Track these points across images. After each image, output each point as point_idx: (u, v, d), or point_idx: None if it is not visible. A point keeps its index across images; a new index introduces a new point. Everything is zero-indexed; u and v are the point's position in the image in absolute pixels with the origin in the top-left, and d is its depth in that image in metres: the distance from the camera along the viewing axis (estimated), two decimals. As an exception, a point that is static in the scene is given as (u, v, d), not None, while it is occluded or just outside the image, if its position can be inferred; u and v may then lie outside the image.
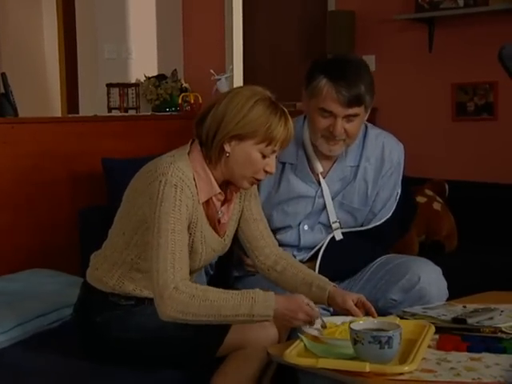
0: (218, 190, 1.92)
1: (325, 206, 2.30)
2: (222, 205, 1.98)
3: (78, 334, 1.98)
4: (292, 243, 2.32)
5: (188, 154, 1.90)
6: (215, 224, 1.95)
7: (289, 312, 1.78)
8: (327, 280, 2.03)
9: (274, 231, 2.30)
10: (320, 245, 2.31)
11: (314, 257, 2.30)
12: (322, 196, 2.29)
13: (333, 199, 2.30)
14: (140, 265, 1.90)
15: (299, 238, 2.32)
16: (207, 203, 1.92)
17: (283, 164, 2.30)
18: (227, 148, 1.87)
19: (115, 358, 1.90)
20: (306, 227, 2.32)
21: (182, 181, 1.81)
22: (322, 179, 2.29)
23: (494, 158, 4.08)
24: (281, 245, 2.31)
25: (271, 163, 1.90)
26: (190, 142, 1.94)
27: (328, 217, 2.30)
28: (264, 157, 1.88)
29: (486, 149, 4.14)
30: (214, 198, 1.93)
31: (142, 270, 1.90)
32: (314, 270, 2.25)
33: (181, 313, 1.75)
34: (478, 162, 4.15)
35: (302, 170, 2.29)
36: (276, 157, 1.93)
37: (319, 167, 2.28)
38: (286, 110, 1.91)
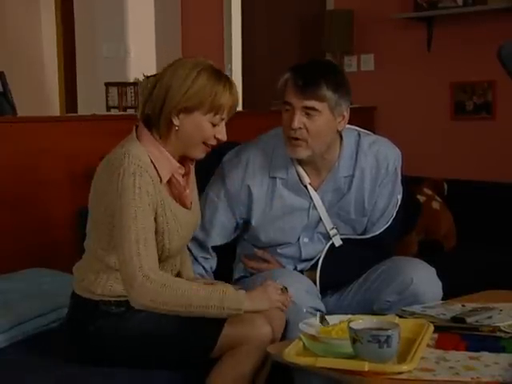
0: (178, 165, 1.94)
1: (320, 217, 2.28)
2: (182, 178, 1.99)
3: (70, 343, 1.96)
4: (293, 256, 2.32)
5: (137, 139, 1.90)
6: (180, 199, 1.96)
7: (261, 305, 1.86)
8: None
9: (275, 246, 2.31)
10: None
11: (315, 265, 2.29)
12: (315, 207, 2.27)
13: (328, 210, 2.27)
14: None
15: (300, 251, 2.31)
16: (169, 183, 1.92)
17: (274, 179, 2.25)
18: (176, 121, 1.88)
19: (109, 364, 1.89)
20: (305, 240, 2.30)
21: (140, 167, 1.82)
22: (312, 190, 2.26)
23: (493, 157, 4.08)
24: (282, 257, 2.32)
25: (222, 130, 1.92)
26: (134, 129, 1.94)
27: (325, 226, 2.29)
28: (214, 125, 1.90)
29: (484, 147, 4.15)
30: (175, 176, 1.93)
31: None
32: (315, 279, 2.26)
33: (152, 301, 1.78)
34: (477, 161, 4.16)
35: (293, 183, 2.26)
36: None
37: (306, 178, 2.26)
38: (229, 76, 1.94)
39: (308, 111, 2.11)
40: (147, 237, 1.81)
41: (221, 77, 1.90)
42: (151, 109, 1.90)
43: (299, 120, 2.11)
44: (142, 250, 1.79)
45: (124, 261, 1.80)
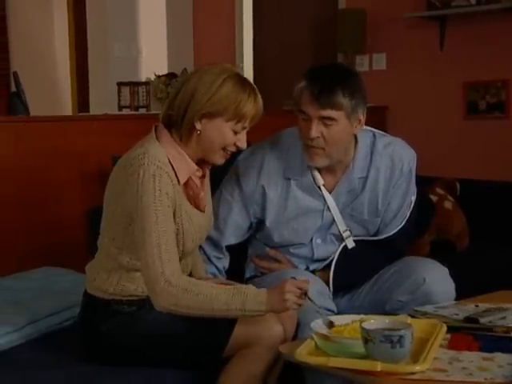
0: (196, 167, 1.94)
1: (334, 218, 2.27)
2: None
3: (82, 342, 1.97)
4: (306, 256, 2.32)
5: (157, 139, 1.90)
6: (195, 201, 1.96)
7: (277, 302, 1.80)
8: None
9: (288, 246, 2.31)
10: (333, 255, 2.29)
11: (328, 266, 2.29)
12: (329, 209, 2.26)
13: (342, 211, 2.27)
14: (137, 265, 1.89)
15: (313, 252, 2.30)
16: (186, 184, 1.92)
17: (288, 180, 2.25)
18: (198, 126, 1.89)
19: (121, 363, 1.90)
20: (318, 241, 2.30)
21: (159, 169, 1.82)
22: (325, 192, 2.25)
23: (506, 157, 4.06)
24: (295, 257, 2.32)
25: (242, 139, 1.93)
26: (153, 129, 1.94)
27: (338, 228, 2.28)
28: (235, 133, 1.91)
29: (497, 147, 4.13)
30: (192, 178, 1.94)
31: (140, 268, 1.89)
32: (328, 280, 2.26)
33: (174, 305, 1.79)
34: (490, 161, 4.14)
35: (308, 184, 2.25)
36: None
37: (320, 180, 2.25)
38: (254, 86, 1.94)
39: (325, 120, 2.10)
40: (168, 240, 1.82)
41: (246, 85, 1.90)
42: (175, 111, 1.90)
43: (316, 129, 2.10)
44: (163, 255, 1.80)
45: (146, 264, 1.80)
